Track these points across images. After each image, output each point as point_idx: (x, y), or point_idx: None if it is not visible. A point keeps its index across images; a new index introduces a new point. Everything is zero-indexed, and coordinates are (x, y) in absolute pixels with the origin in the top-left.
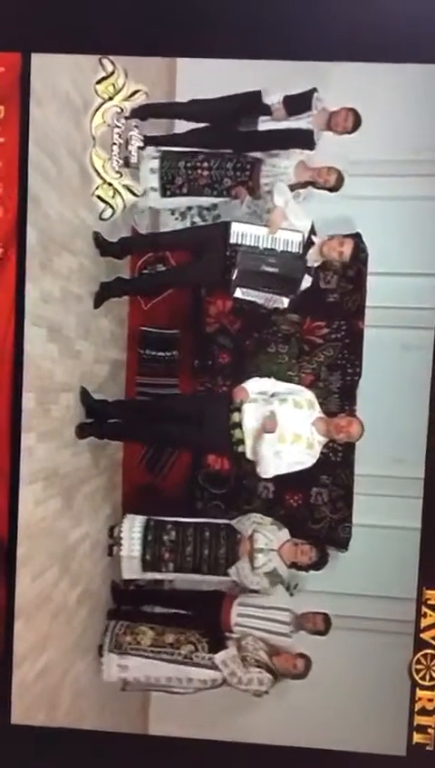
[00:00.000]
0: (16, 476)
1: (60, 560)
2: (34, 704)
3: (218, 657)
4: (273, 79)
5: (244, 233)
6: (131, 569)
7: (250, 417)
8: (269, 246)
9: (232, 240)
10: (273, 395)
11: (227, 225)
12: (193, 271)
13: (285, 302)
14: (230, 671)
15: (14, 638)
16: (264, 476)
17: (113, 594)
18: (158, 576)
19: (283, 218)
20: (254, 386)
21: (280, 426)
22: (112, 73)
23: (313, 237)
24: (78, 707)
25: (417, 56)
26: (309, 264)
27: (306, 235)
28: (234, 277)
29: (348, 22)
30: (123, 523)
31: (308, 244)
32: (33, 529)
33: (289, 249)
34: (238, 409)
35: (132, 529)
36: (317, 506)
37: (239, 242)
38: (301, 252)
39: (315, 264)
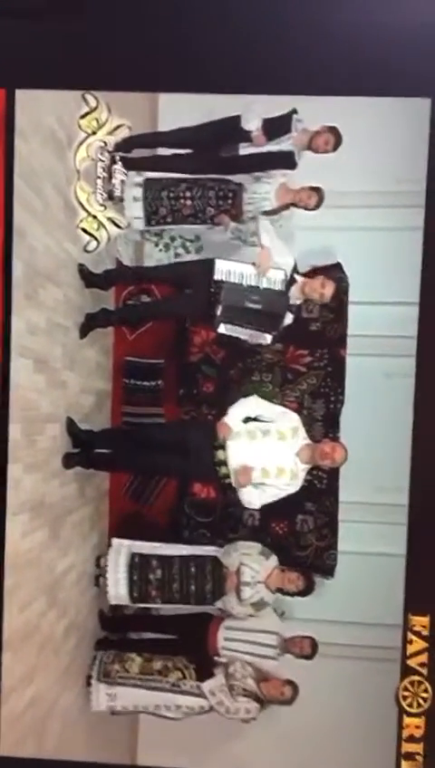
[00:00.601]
0: (3, 507)
1: (47, 590)
2: (23, 735)
3: (206, 686)
4: (252, 110)
5: (228, 270)
6: (119, 600)
7: (235, 455)
8: (253, 284)
9: (216, 277)
10: (256, 418)
11: (211, 262)
12: (177, 305)
13: (268, 338)
14: (218, 700)
15: (2, 669)
16: (249, 508)
17: (101, 622)
18: (145, 605)
19: (270, 258)
20: (236, 413)
21: (263, 461)
22: (96, 108)
23: (295, 276)
24: (67, 737)
25: (396, 89)
26: (291, 302)
27: (289, 273)
28: (218, 313)
29: (326, 56)
30: (109, 556)
31: (291, 281)
32: (20, 560)
33: (272, 286)
34: (223, 446)
35: (117, 567)
36: (303, 534)
37: (223, 279)
38: (284, 289)
39: (297, 302)
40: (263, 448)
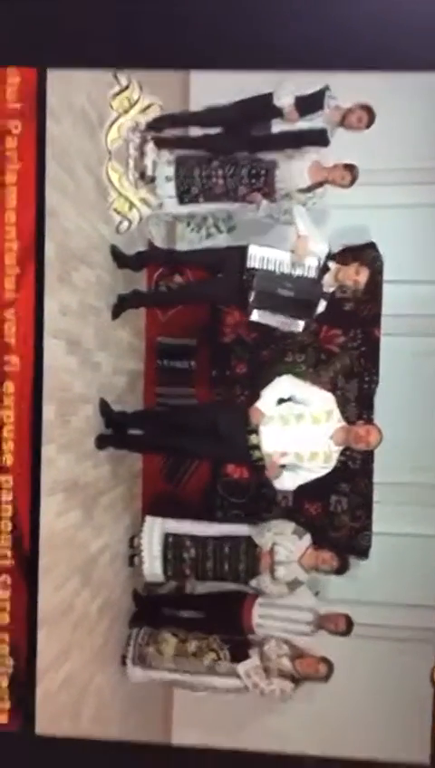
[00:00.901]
0: (37, 488)
1: (81, 570)
2: (58, 714)
3: (241, 668)
4: (285, 87)
5: (261, 256)
6: (154, 577)
7: (268, 440)
8: (286, 271)
9: (249, 264)
10: (290, 398)
11: (244, 249)
12: (209, 291)
13: (301, 325)
14: (253, 682)
15: (38, 648)
16: (281, 490)
17: (135, 601)
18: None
19: (307, 246)
20: (270, 395)
21: (297, 446)
22: (127, 87)
23: (329, 263)
24: (101, 716)
25: (429, 64)
26: (325, 290)
27: (322, 260)
28: (251, 300)
29: (358, 32)
30: (142, 534)
31: (324, 268)
32: (54, 540)
33: (306, 274)
34: (255, 431)
35: (151, 546)
36: (337, 514)
37: (256, 266)
38: (317, 277)
39: (331, 290)
40: (296, 433)
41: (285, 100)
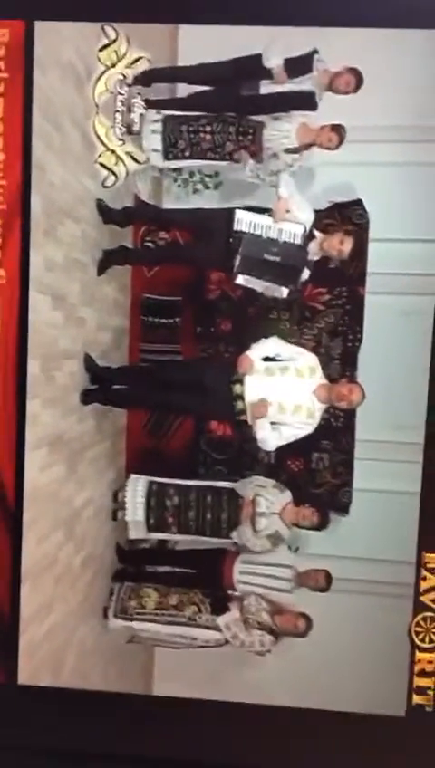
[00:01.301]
0: (22, 442)
1: (65, 524)
2: (41, 665)
3: (221, 619)
4: (274, 48)
5: (248, 221)
6: (137, 530)
7: (252, 389)
8: (272, 236)
9: (236, 227)
10: (275, 357)
11: (231, 212)
12: (196, 252)
13: (284, 292)
14: (232, 634)
15: (21, 600)
16: (264, 449)
17: (118, 555)
18: (162, 536)
19: (286, 208)
20: (259, 351)
21: (280, 396)
22: (115, 40)
23: (314, 231)
24: (83, 668)
25: (417, 22)
26: (309, 258)
27: (308, 228)
28: (236, 263)
29: None
30: (127, 487)
31: (310, 236)
32: (38, 493)
33: (291, 240)
34: (240, 381)
35: (135, 493)
36: (318, 471)
37: (242, 229)
38: (302, 244)
39: (315, 258)
40: (280, 384)
41: (274, 61)
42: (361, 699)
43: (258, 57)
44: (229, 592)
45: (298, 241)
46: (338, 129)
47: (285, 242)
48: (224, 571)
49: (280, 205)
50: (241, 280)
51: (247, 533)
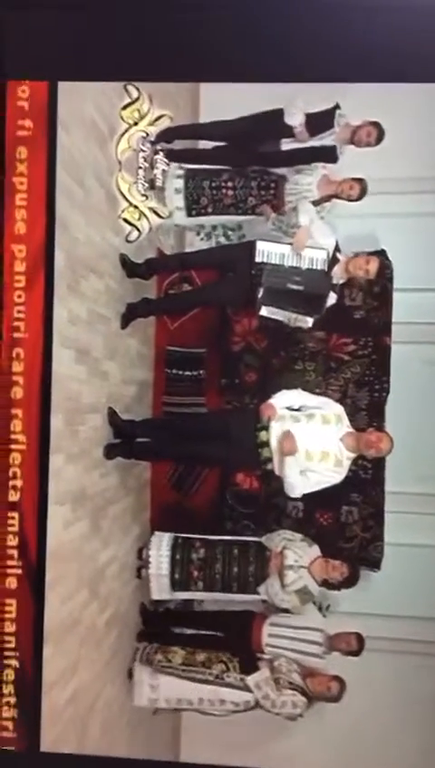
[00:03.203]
0: (45, 498)
1: (89, 582)
2: (64, 730)
3: (251, 678)
4: (295, 104)
5: (269, 251)
6: (160, 588)
7: (278, 435)
8: (294, 264)
9: (257, 259)
10: (300, 408)
11: (252, 245)
12: (219, 290)
13: (310, 321)
14: (263, 693)
15: (44, 662)
16: (291, 496)
17: (142, 616)
18: (187, 595)
19: (308, 236)
20: (282, 400)
21: (307, 443)
22: (137, 99)
23: (337, 255)
24: (109, 733)
25: None
26: (334, 282)
27: (331, 253)
28: (259, 296)
29: (369, 42)
30: (151, 542)
31: (333, 261)
32: (62, 551)
33: (314, 266)
34: (266, 428)
35: (160, 547)
36: (348, 525)
37: (265, 260)
38: (326, 269)
39: (341, 282)
40: (307, 430)
41: (295, 118)
42: (400, 764)
43: (280, 112)
44: (258, 655)
45: (321, 266)
46: (359, 181)
47: (308, 269)
48: (253, 635)
49: (301, 233)
50: (265, 312)
51: (275, 587)
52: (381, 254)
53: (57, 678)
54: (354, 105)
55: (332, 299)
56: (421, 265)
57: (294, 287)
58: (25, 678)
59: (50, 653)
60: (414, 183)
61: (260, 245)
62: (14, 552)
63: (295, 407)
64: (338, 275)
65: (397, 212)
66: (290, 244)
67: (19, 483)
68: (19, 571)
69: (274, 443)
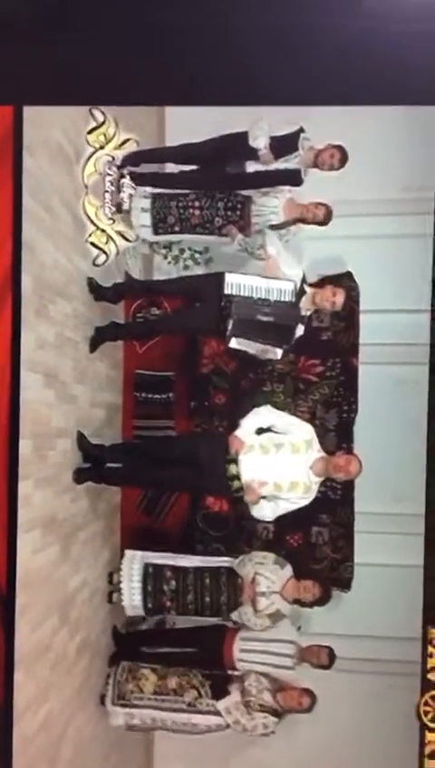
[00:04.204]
0: (14, 524)
1: (59, 608)
2: (36, 757)
3: (221, 704)
4: (260, 127)
5: (238, 283)
6: (134, 611)
7: (247, 469)
8: (263, 296)
9: (226, 291)
10: (270, 428)
11: (220, 276)
12: (188, 320)
13: (279, 353)
14: (234, 719)
15: (15, 689)
16: (262, 520)
17: (114, 638)
18: (160, 618)
19: (277, 266)
20: (250, 424)
21: (276, 475)
22: (103, 123)
23: (305, 286)
24: (81, 759)
25: (401, 98)
26: (302, 313)
27: (298, 284)
28: (229, 327)
29: (334, 65)
30: (122, 569)
31: (301, 292)
32: (31, 577)
33: (283, 298)
34: (235, 461)
35: (132, 577)
36: (318, 546)
37: (233, 292)
38: (294, 300)
39: (308, 313)
40: (276, 462)
41: (260, 141)
42: None
43: (244, 135)
44: (229, 672)
45: (289, 298)
46: (324, 205)
47: (276, 300)
48: (224, 650)
49: (270, 263)
50: (234, 343)
51: (248, 613)
52: (347, 275)
53: (28, 705)
54: (318, 127)
55: (300, 330)
56: (387, 287)
57: (264, 318)
58: None
59: (21, 680)
60: (380, 205)
61: (229, 278)
62: None
63: (265, 426)
64: (305, 307)
65: (363, 234)
66: (258, 275)
67: None
68: None
69: (244, 476)
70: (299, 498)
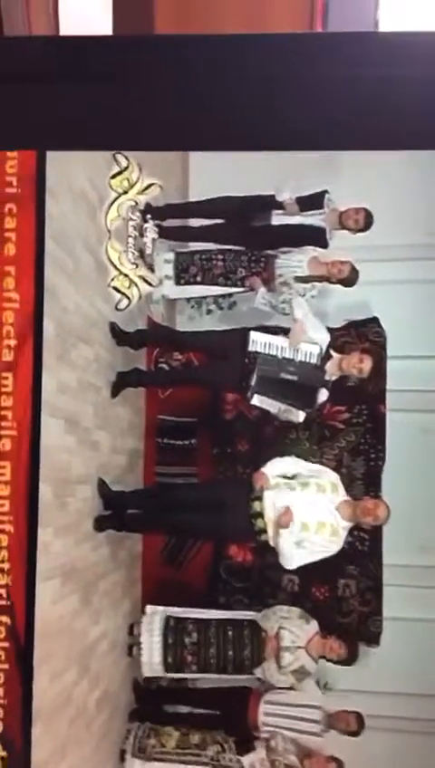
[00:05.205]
0: (33, 573)
1: (79, 660)
2: None
3: (246, 759)
4: (284, 171)
5: (263, 341)
6: (153, 671)
7: (271, 505)
8: (288, 356)
9: (251, 348)
10: (294, 476)
11: (245, 333)
12: (211, 374)
13: (301, 416)
14: None
15: (32, 744)
16: (287, 568)
17: (135, 693)
18: (180, 676)
19: (303, 330)
20: (274, 468)
21: (303, 513)
22: (126, 168)
23: (331, 351)
24: None
25: (427, 142)
26: (327, 378)
27: (324, 348)
28: (252, 383)
29: (357, 111)
30: (142, 623)
31: (327, 356)
32: (51, 628)
33: (308, 360)
34: (259, 498)
35: (152, 631)
36: (345, 599)
37: (258, 350)
38: (319, 363)
39: (333, 378)
40: (302, 499)
41: (286, 195)
42: None
43: (272, 197)
44: (254, 734)
45: (314, 360)
46: (350, 263)
47: (301, 361)
48: (248, 713)
49: (297, 327)
50: (256, 401)
51: (272, 670)
52: (373, 320)
53: (46, 760)
54: (345, 174)
55: (323, 395)
56: (414, 332)
57: (288, 377)
58: (13, 761)
59: (38, 734)
60: (405, 250)
61: (254, 335)
62: (2, 631)
63: (290, 474)
64: (331, 372)
65: (389, 279)
66: (283, 335)
67: (6, 565)
68: (6, 652)
69: (268, 513)
70: (327, 542)
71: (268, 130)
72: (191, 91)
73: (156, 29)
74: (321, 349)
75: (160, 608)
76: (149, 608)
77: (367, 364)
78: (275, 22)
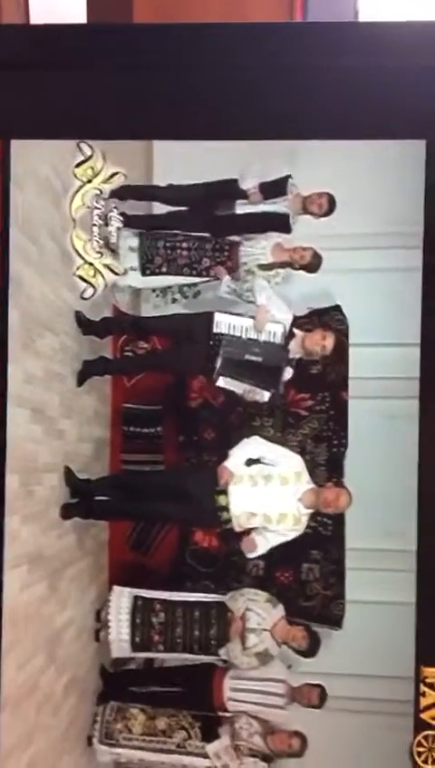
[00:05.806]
0: (0, 561)
1: (46, 646)
2: None
3: (211, 748)
4: (249, 159)
5: (227, 323)
6: (121, 650)
7: (237, 500)
8: (252, 336)
9: (215, 330)
10: (259, 459)
11: (210, 315)
12: (176, 358)
13: (266, 395)
14: (223, 764)
15: (0, 731)
16: (250, 557)
17: (102, 678)
18: (148, 655)
19: (268, 315)
20: (239, 455)
21: (265, 507)
22: (91, 157)
23: (294, 330)
24: None
25: (392, 132)
26: (291, 356)
27: (287, 327)
28: (217, 365)
29: (322, 100)
30: (110, 604)
31: (290, 335)
32: (18, 614)
33: (272, 340)
34: (224, 492)
35: (119, 610)
36: (309, 583)
37: (223, 331)
38: (283, 343)
39: (297, 356)
40: (265, 494)
41: (249, 183)
42: None
43: (234, 181)
44: (220, 713)
45: (278, 340)
46: (312, 248)
47: (265, 341)
48: (214, 689)
49: (261, 311)
50: (222, 382)
51: (236, 651)
52: (335, 309)
53: (13, 747)
54: (309, 164)
55: (288, 373)
56: (376, 320)
57: (253, 358)
58: None
59: (5, 721)
60: (368, 238)
61: (218, 317)
62: None
63: (255, 457)
64: (295, 350)
65: (351, 267)
66: (247, 316)
67: None
68: None
69: (233, 509)
70: (289, 530)
71: (244, 120)
72: (160, 80)
73: (134, 18)
74: (284, 328)
75: (127, 589)
76: (116, 588)
77: (329, 341)
78: (254, 12)
